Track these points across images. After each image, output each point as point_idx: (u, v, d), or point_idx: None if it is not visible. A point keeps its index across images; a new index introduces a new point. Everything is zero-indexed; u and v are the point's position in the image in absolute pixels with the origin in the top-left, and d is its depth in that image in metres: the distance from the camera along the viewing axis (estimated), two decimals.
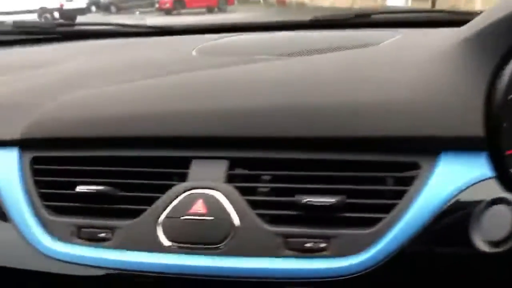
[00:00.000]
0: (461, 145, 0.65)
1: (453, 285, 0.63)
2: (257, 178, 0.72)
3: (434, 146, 0.66)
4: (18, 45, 1.29)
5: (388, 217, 0.64)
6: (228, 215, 0.66)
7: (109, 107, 0.77)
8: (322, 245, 0.63)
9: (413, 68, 0.75)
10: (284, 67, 0.84)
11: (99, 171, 0.75)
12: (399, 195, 0.65)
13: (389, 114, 0.67)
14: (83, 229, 0.71)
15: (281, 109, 0.71)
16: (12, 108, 0.83)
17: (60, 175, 0.77)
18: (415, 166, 0.66)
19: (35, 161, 0.78)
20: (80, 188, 0.71)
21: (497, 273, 0.63)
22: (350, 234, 0.64)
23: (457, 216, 0.63)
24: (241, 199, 0.67)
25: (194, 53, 0.98)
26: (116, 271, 0.68)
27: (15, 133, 0.79)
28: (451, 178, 0.64)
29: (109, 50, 1.15)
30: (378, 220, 0.64)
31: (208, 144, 0.72)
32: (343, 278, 0.62)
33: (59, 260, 0.69)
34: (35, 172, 0.77)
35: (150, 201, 0.70)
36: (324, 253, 0.63)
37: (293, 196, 0.67)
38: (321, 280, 0.62)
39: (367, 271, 0.61)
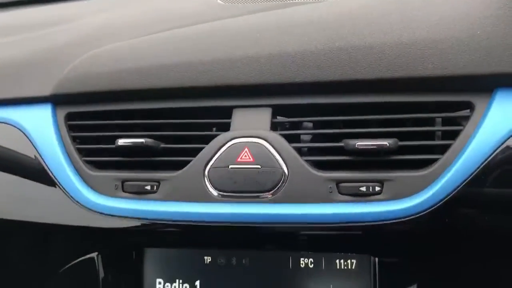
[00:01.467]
0: None
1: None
2: (301, 125, 0.70)
3: (488, 83, 0.63)
4: (25, 5, 1.24)
5: (443, 158, 0.62)
6: (276, 163, 0.65)
7: (143, 58, 0.74)
8: (377, 188, 0.62)
9: (459, 5, 0.71)
10: (319, 9, 0.79)
11: (138, 124, 0.73)
12: (453, 135, 0.63)
13: (440, 52, 0.64)
14: (127, 183, 0.70)
15: (323, 52, 0.67)
16: (42, 65, 0.80)
17: (98, 129, 0.75)
18: (469, 105, 0.64)
19: (69, 117, 0.76)
20: (121, 142, 0.70)
21: None
22: (405, 177, 0.62)
23: None
24: (288, 147, 0.66)
25: (219, 1, 0.94)
26: (165, 222, 0.67)
27: (46, 90, 0.77)
28: (507, 115, 0.62)
29: (126, 3, 1.10)
30: (433, 161, 0.62)
31: (249, 92, 0.70)
32: (399, 221, 0.61)
33: (105, 214, 0.69)
34: (71, 128, 0.76)
35: (194, 152, 0.68)
36: (379, 196, 0.62)
37: (340, 142, 0.65)
38: (376, 223, 0.61)
39: (424, 213, 0.60)
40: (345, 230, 0.63)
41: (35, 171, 0.74)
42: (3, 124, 0.78)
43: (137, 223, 0.68)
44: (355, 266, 0.66)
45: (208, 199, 0.66)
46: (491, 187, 0.62)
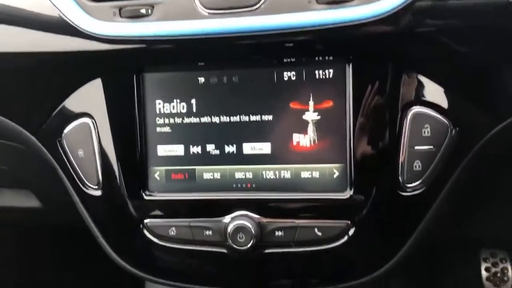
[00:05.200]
0: None
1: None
2: None
3: None
4: None
5: None
6: None
7: None
8: None
9: None
10: None
11: None
12: None
13: None
14: (123, 9, 0.75)
15: None
16: None
17: None
18: None
19: None
20: None
21: None
22: None
23: None
24: None
25: None
26: (161, 39, 0.74)
27: None
28: None
29: None
30: None
31: None
32: (370, 20, 0.68)
33: (106, 37, 0.75)
34: None
35: None
36: (353, 2, 0.69)
37: None
38: (350, 24, 0.68)
39: (391, 13, 0.67)
40: (323, 33, 0.70)
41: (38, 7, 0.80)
42: None
43: (136, 43, 0.75)
44: (332, 75, 0.75)
45: (199, 16, 0.73)
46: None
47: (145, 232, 0.82)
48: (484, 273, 1.54)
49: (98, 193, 0.83)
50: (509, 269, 1.52)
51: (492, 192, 0.91)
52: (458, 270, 1.56)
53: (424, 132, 0.72)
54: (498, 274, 1.53)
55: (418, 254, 0.84)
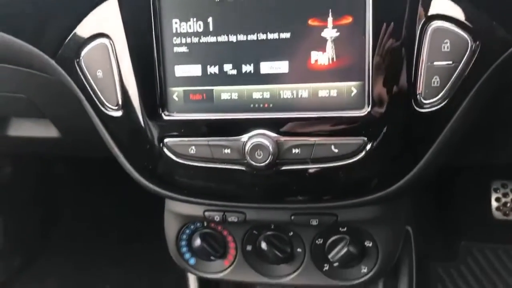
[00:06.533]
0: None
1: None
2: None
3: None
4: None
5: None
6: None
7: None
8: None
9: None
10: None
11: None
12: None
13: None
14: None
15: None
16: None
17: None
18: None
19: None
20: None
21: None
22: None
23: None
24: None
25: None
26: None
27: None
28: None
29: None
30: None
31: None
32: None
33: None
34: None
35: None
36: None
37: None
38: None
39: None
40: None
41: None
42: None
43: None
44: None
45: None
46: None
47: (166, 151, 0.84)
48: (494, 203, 1.57)
49: (118, 113, 0.84)
50: None
51: (507, 119, 0.91)
52: (469, 200, 1.59)
53: (444, 47, 0.71)
54: (508, 204, 1.56)
55: (429, 183, 0.86)
